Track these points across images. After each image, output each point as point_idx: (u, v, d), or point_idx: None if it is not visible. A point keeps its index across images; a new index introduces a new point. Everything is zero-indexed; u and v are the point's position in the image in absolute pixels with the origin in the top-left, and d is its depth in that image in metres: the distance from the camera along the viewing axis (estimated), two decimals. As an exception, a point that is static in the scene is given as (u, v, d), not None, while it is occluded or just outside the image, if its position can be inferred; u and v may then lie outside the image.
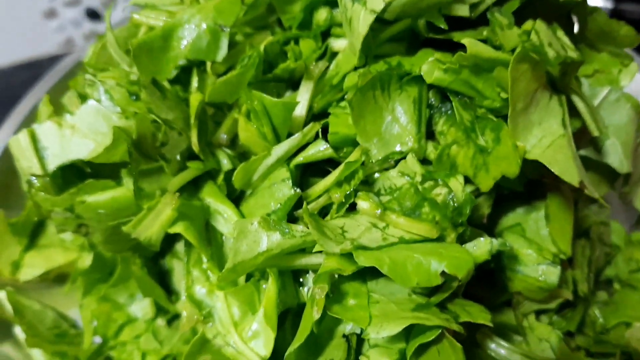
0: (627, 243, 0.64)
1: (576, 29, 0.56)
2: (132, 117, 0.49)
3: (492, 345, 0.51)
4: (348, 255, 0.42)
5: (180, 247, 0.58)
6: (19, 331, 0.64)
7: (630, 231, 0.69)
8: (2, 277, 0.68)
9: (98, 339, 0.62)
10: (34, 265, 0.67)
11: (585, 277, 0.56)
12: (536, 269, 0.51)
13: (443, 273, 0.40)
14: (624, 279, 0.63)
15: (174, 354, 0.57)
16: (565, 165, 0.42)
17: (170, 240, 0.58)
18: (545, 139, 0.44)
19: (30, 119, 0.79)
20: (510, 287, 0.52)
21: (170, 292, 0.59)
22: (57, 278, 0.72)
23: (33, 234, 0.70)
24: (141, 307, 0.61)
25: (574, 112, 0.49)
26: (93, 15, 1.34)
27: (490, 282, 0.53)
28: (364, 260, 0.40)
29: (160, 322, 0.60)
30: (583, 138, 0.53)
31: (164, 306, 0.58)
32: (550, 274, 0.50)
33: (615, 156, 0.55)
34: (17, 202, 0.75)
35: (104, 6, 1.36)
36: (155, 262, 0.60)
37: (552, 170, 0.43)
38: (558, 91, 0.46)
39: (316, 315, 0.41)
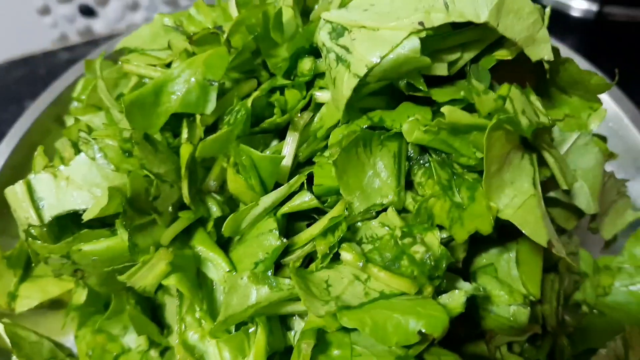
0: (594, 270, 0.68)
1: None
2: (125, 173, 0.51)
3: (468, 380, 0.54)
4: (333, 314, 0.45)
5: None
6: (16, 360, 0.67)
7: (600, 252, 0.73)
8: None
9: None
10: (29, 297, 0.70)
11: (554, 311, 0.60)
12: (507, 309, 0.54)
13: (420, 332, 0.43)
14: (592, 304, 0.67)
15: (167, 386, 0.60)
16: (535, 226, 0.46)
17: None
18: (516, 198, 0.47)
19: (20, 149, 0.81)
20: (483, 324, 0.56)
21: (162, 325, 0.62)
22: (51, 305, 0.74)
23: (27, 265, 0.72)
24: (135, 339, 0.64)
25: (544, 162, 0.52)
26: (86, 11, 1.35)
27: (464, 318, 0.56)
28: (347, 321, 0.43)
29: (153, 353, 0.63)
30: (553, 181, 0.57)
31: (157, 341, 0.61)
32: (521, 314, 0.54)
33: (583, 198, 0.58)
34: (9, 228, 0.77)
35: (97, 3, 1.37)
36: (147, 298, 0.63)
37: (523, 231, 0.46)
38: (529, 149, 0.50)
39: (304, 369, 0.44)
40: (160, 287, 0.61)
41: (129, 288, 0.59)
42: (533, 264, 0.54)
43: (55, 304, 0.74)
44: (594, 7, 1.27)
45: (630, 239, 0.71)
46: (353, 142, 0.50)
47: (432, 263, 0.47)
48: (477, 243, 0.56)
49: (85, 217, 0.51)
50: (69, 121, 0.71)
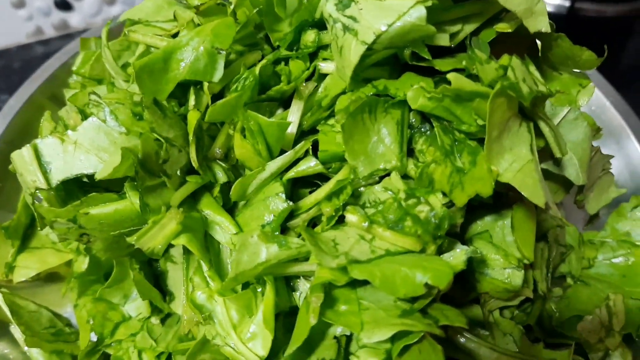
0: (579, 243, 0.71)
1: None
2: (136, 136, 0.52)
3: (462, 340, 0.56)
4: (341, 268, 0.47)
5: (174, 251, 0.62)
6: (14, 330, 0.67)
7: (583, 229, 0.77)
8: (-4, 278, 0.70)
9: (93, 337, 0.66)
10: (27, 267, 0.70)
11: (544, 277, 0.63)
12: (502, 272, 0.57)
13: (426, 284, 0.45)
14: (576, 276, 0.70)
15: (169, 351, 0.61)
16: (533, 188, 0.48)
17: (164, 245, 0.62)
18: (515, 163, 0.49)
19: (15, 125, 0.81)
20: (479, 287, 0.58)
21: (164, 292, 0.63)
22: (49, 277, 0.75)
23: (25, 237, 0.73)
24: (135, 307, 0.65)
25: (539, 133, 0.55)
26: (62, 5, 1.34)
27: (461, 283, 0.59)
28: (357, 273, 0.45)
29: (154, 320, 0.64)
30: (544, 153, 0.59)
31: (160, 307, 0.62)
32: (515, 277, 0.56)
33: (573, 170, 0.61)
34: (7, 203, 0.77)
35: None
36: (150, 265, 0.64)
37: (522, 193, 0.48)
38: (527, 118, 0.52)
39: (313, 321, 0.46)
40: (163, 254, 0.62)
41: (132, 254, 0.60)
42: (527, 229, 0.56)
43: (52, 277, 0.75)
44: (567, 3, 1.31)
45: (612, 215, 0.74)
46: (359, 108, 0.52)
47: (436, 222, 0.49)
48: (473, 211, 0.59)
49: (98, 176, 0.51)
50: (68, 94, 0.71)
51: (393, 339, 0.47)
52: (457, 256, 0.49)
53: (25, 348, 0.66)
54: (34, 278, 0.72)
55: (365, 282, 0.49)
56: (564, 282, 0.71)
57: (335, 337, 0.50)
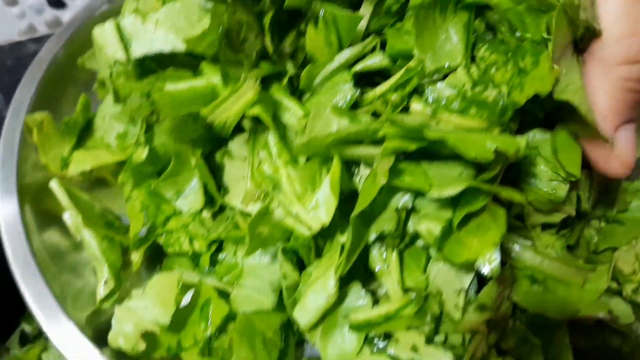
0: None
1: None
2: (222, 13, 0.55)
3: (509, 244, 0.59)
4: (408, 138, 0.49)
5: (232, 145, 0.64)
6: (67, 217, 0.68)
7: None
8: (51, 172, 0.72)
9: (142, 233, 0.67)
10: (82, 162, 0.72)
11: (587, 199, 0.65)
12: (549, 183, 0.59)
13: (495, 151, 0.47)
14: (612, 217, 0.73)
15: (221, 238, 0.63)
16: (587, 108, 0.51)
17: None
18: (570, 85, 0.52)
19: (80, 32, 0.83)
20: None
21: (219, 187, 0.65)
22: (97, 182, 0.76)
23: (80, 137, 0.75)
24: (188, 202, 0.66)
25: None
26: (55, 2, 1.33)
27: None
28: (431, 135, 0.47)
29: (206, 214, 0.66)
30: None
31: (214, 196, 0.63)
32: (560, 189, 0.58)
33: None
34: (65, 113, 0.79)
35: (66, -6, 1.34)
36: (207, 160, 0.66)
37: (579, 110, 0.51)
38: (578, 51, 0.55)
39: (383, 180, 0.48)
40: (220, 147, 0.65)
41: (195, 142, 0.63)
42: (573, 149, 0.59)
43: (101, 182, 0.77)
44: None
45: (647, 170, 0.77)
46: (432, 3, 0.55)
47: (504, 104, 0.52)
48: (523, 130, 0.61)
49: (186, 38, 0.54)
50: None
51: (456, 204, 0.49)
52: (519, 141, 0.52)
53: (78, 237, 0.68)
54: (85, 177, 0.74)
55: (431, 159, 0.51)
56: (600, 223, 0.73)
57: (396, 210, 0.52)
